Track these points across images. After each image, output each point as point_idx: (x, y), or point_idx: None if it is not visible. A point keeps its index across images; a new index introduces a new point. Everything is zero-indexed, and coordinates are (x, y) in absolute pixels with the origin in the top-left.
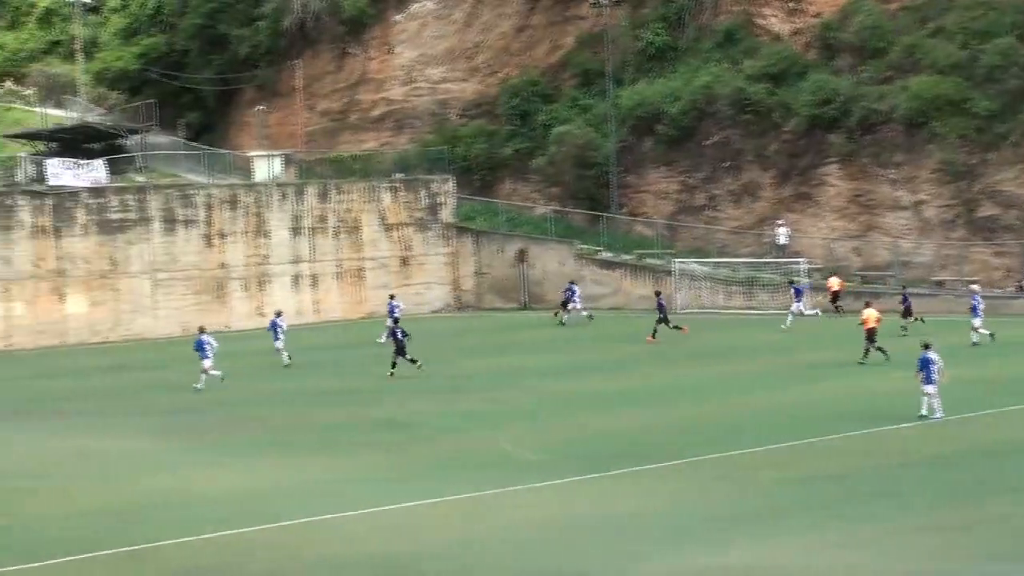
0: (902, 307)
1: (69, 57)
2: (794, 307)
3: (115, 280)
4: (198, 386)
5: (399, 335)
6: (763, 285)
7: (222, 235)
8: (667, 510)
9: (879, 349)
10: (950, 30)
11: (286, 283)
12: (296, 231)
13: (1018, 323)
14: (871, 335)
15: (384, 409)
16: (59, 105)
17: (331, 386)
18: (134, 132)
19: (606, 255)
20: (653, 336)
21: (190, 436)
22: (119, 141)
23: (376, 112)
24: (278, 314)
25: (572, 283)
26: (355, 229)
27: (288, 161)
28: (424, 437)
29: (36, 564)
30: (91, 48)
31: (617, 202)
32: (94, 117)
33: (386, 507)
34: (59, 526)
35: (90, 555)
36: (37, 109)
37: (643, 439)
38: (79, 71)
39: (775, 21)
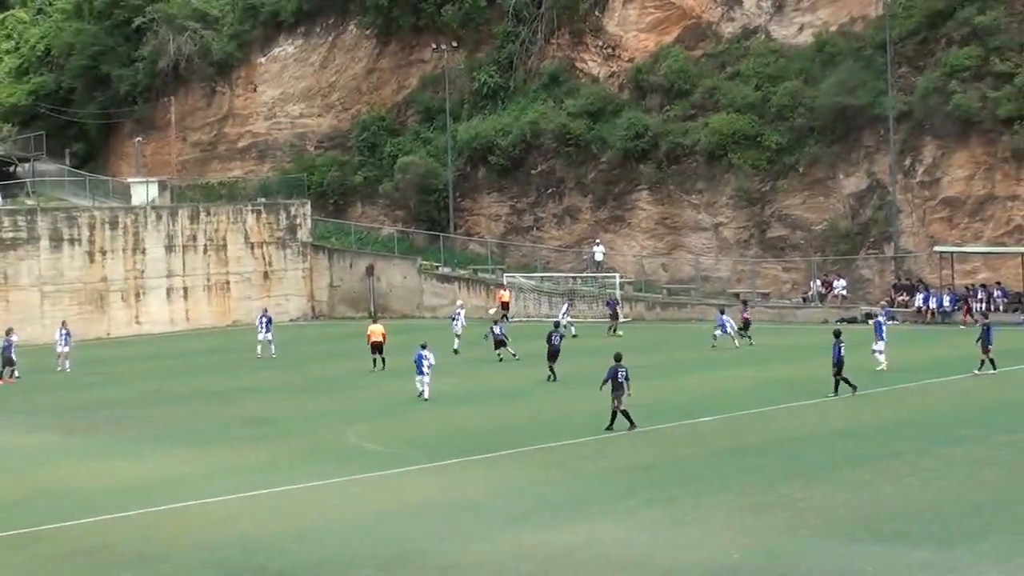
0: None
1: None
2: (876, 345)
3: (6, 292)
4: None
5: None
6: (582, 297)
7: (103, 252)
8: (501, 495)
9: (382, 360)
10: (745, 74)
11: (161, 295)
12: (170, 249)
13: (803, 331)
14: (377, 348)
15: (248, 408)
16: None
17: (201, 387)
18: (24, 160)
19: (444, 270)
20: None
21: (73, 433)
22: (11, 168)
23: (242, 143)
24: None
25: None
26: (222, 247)
27: (163, 187)
28: (284, 432)
29: None
30: None
31: (454, 223)
32: None
33: (250, 494)
34: None
35: None
36: None
37: (478, 433)
38: None
39: (593, 65)
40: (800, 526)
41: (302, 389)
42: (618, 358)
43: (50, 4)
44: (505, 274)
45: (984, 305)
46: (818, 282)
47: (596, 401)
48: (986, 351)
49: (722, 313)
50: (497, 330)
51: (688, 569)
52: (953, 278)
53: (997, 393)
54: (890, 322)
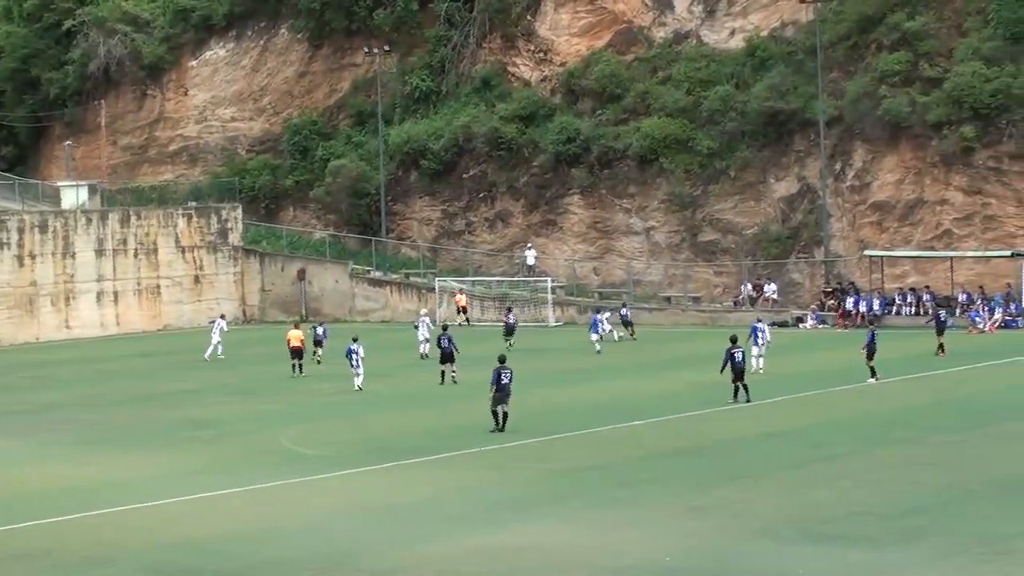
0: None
1: None
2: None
3: None
4: None
5: None
6: (514, 300)
7: (33, 256)
8: (442, 497)
9: (300, 366)
10: (677, 79)
11: (91, 299)
12: (100, 253)
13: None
14: (297, 353)
15: (185, 411)
16: None
17: (135, 390)
18: None
19: (376, 274)
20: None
21: (11, 437)
22: None
23: (173, 147)
24: None
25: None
26: (153, 251)
27: (93, 190)
28: (222, 435)
29: None
30: None
31: (386, 227)
32: None
33: (191, 497)
34: None
35: None
36: None
37: (417, 436)
38: None
39: (525, 69)
40: (736, 528)
41: (236, 392)
42: (502, 360)
43: None
44: (437, 278)
45: (913, 309)
46: (749, 286)
47: (538, 403)
48: (870, 358)
49: (598, 313)
50: (320, 331)
51: (628, 570)
52: (883, 282)
53: (932, 395)
54: (820, 325)
